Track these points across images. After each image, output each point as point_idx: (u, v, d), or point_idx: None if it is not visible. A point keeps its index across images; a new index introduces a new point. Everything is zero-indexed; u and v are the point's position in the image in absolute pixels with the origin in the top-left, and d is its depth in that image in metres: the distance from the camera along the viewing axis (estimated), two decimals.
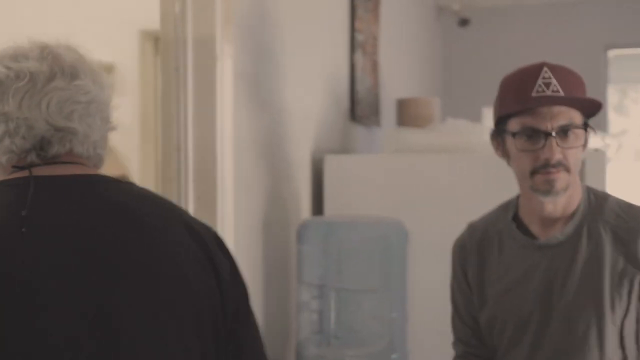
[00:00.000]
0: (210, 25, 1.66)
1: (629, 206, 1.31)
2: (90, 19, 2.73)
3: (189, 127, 1.68)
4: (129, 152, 2.67)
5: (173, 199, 1.68)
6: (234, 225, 1.73)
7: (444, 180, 2.13)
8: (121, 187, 0.93)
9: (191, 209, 1.68)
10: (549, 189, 1.22)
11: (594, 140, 1.58)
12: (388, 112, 2.93)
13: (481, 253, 1.37)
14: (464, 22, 4.12)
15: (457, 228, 1.46)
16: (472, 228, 1.42)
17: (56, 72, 0.87)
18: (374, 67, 2.94)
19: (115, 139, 0.97)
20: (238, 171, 1.74)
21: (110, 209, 0.86)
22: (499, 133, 1.31)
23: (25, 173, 0.85)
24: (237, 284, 0.94)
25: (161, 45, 1.71)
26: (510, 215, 1.34)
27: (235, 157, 1.73)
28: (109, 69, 2.95)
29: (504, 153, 1.31)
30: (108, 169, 3.08)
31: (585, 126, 1.25)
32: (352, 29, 2.68)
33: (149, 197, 0.94)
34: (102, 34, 2.67)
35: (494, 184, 1.68)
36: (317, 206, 2.27)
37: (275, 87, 1.99)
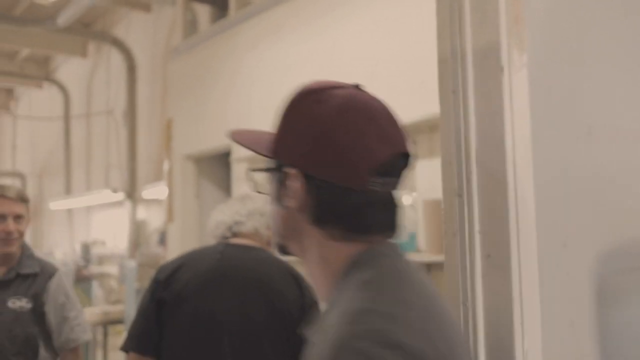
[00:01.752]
0: (491, 31, 1.28)
1: None
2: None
3: (473, 164, 1.30)
4: None
5: (455, 257, 1.31)
6: (539, 291, 1.25)
7: None
8: (259, 251, 2.02)
9: (478, 270, 1.27)
10: None
11: None
12: None
13: None
14: None
15: None
16: None
17: (238, 201, 2.12)
18: None
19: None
20: (543, 219, 1.27)
21: (254, 261, 1.99)
22: None
23: (222, 241, 2.06)
24: (313, 304, 1.90)
25: (438, 65, 1.39)
26: None
27: (537, 199, 1.27)
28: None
29: None
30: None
31: None
32: None
33: (272, 257, 2.01)
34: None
35: None
36: None
37: (609, 102, 1.45)
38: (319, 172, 0.80)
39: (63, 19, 7.55)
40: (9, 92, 11.77)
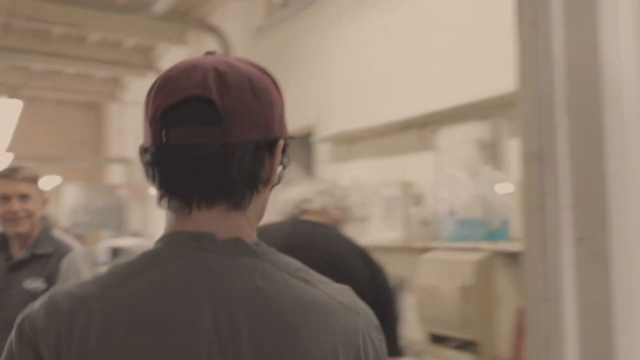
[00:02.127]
0: None
1: None
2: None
3: (559, 117, 0.98)
4: None
5: (536, 240, 1.00)
6: None
7: None
8: (329, 228, 1.98)
9: (568, 257, 0.96)
10: None
11: None
12: None
13: None
14: None
15: None
16: None
17: (309, 182, 2.20)
18: None
19: None
20: None
21: (324, 237, 1.95)
22: None
23: (291, 218, 2.03)
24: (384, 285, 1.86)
25: None
26: None
27: None
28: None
29: None
30: None
31: None
32: None
33: (342, 236, 1.99)
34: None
35: None
36: None
37: None
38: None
39: (159, 7, 7.66)
40: (116, 81, 12.20)
